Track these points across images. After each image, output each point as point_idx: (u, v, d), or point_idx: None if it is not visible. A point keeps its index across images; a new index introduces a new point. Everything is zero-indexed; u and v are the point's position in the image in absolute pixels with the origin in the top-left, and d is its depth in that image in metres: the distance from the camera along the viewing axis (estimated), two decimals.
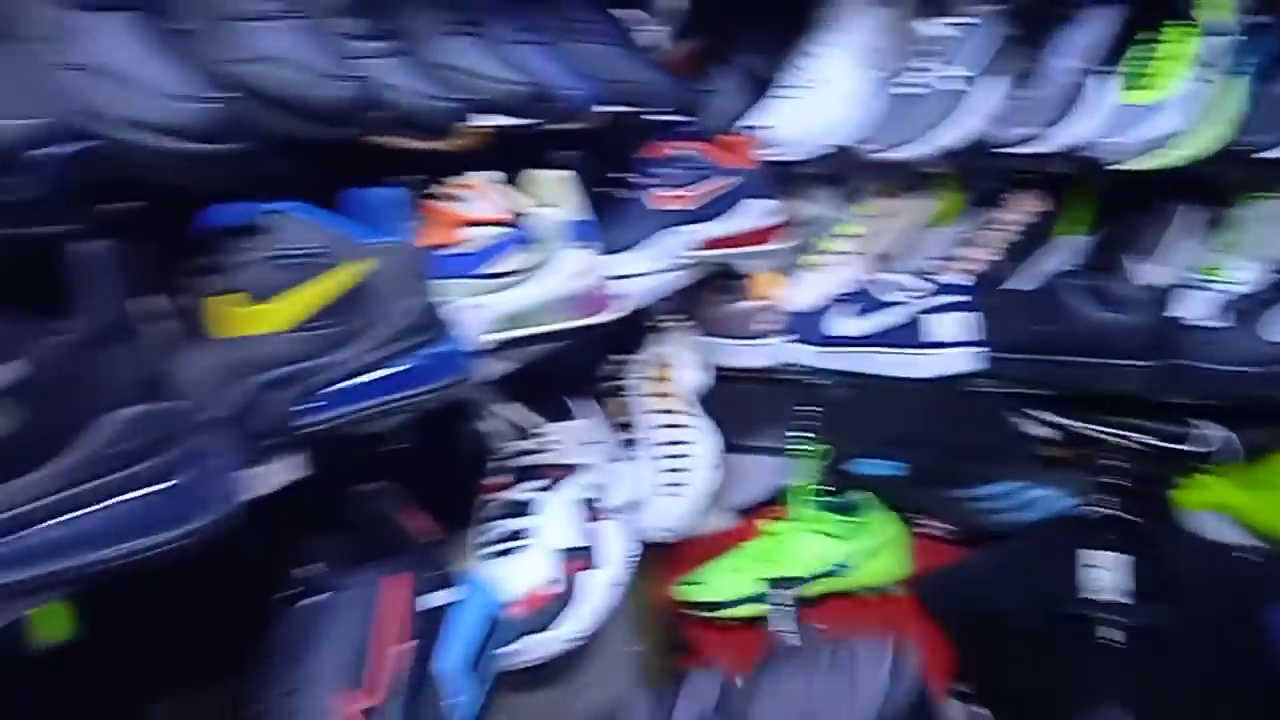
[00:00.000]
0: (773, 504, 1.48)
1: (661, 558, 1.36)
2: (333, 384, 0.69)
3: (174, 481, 0.50)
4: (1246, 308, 1.17)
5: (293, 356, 0.67)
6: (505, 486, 1.02)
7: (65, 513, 0.47)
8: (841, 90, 1.44)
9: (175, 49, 0.60)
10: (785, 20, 1.49)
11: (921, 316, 1.28)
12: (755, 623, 1.37)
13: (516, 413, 1.06)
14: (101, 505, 0.48)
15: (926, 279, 1.32)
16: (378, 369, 0.71)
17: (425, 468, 1.01)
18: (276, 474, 0.69)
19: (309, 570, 0.76)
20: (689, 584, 1.39)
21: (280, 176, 0.67)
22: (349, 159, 0.74)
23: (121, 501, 0.49)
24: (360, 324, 0.71)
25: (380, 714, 0.71)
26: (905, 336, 1.27)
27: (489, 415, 1.05)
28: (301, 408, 0.68)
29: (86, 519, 0.48)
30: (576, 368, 1.31)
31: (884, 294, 1.32)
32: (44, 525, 0.47)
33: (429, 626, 0.79)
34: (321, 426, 0.69)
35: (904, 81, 1.40)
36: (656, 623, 1.40)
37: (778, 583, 1.36)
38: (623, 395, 1.33)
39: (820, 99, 1.44)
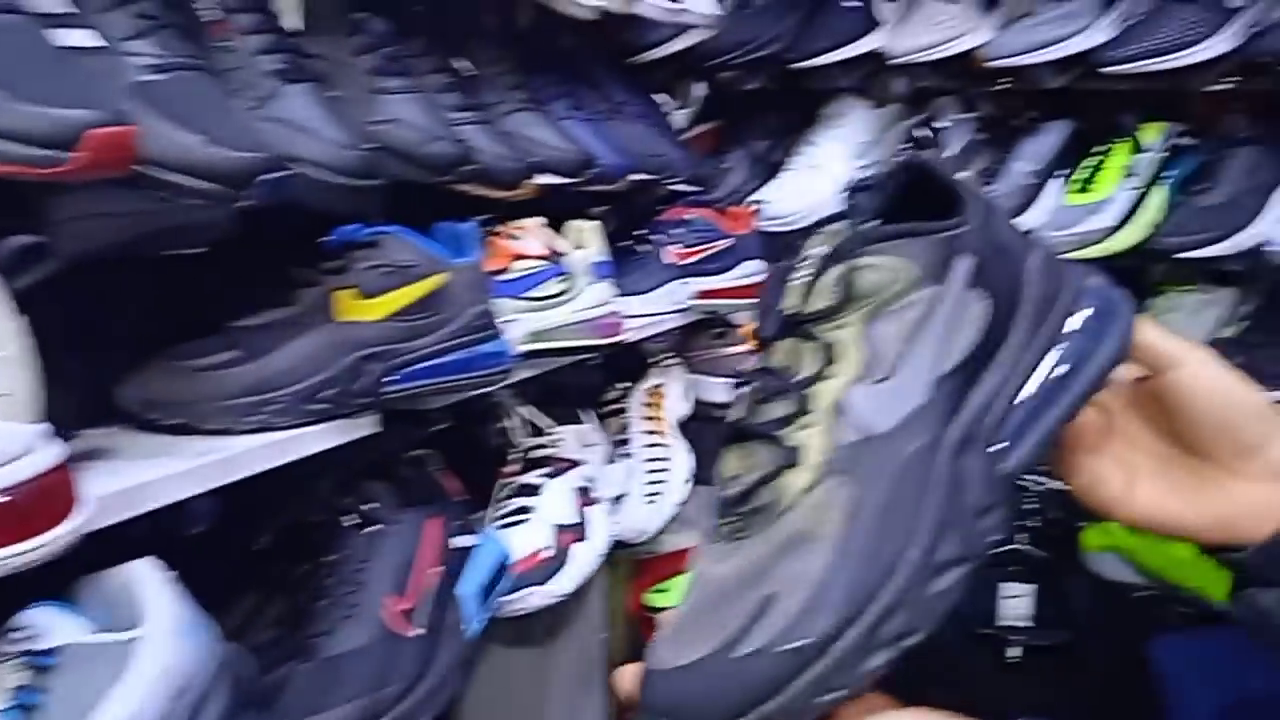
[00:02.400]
0: None
1: (636, 570, 1.58)
2: (411, 364, 0.93)
3: None
4: None
5: (385, 340, 0.91)
6: (519, 472, 1.25)
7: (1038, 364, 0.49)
8: (834, 175, 1.69)
9: (336, 111, 0.85)
10: (791, 112, 1.75)
11: None
12: None
13: (534, 414, 1.29)
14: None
15: None
16: (444, 355, 0.95)
17: (463, 448, 1.24)
18: (361, 428, 0.93)
19: (371, 505, 0.98)
20: (657, 592, 1.60)
21: (395, 208, 0.91)
22: (443, 200, 0.99)
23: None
24: (436, 321, 0.94)
25: (415, 613, 0.94)
26: None
27: (513, 414, 1.28)
28: (387, 379, 0.91)
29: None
30: (587, 387, 1.55)
31: None
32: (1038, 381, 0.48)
33: (455, 560, 1.01)
34: (397, 394, 0.92)
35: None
36: (627, 625, 1.61)
37: None
38: (621, 415, 1.56)
39: (815, 180, 1.69)
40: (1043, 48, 1.50)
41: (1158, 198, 1.51)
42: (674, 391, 1.58)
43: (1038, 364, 0.48)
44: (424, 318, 0.93)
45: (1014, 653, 1.43)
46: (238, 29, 0.79)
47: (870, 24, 1.61)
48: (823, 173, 1.70)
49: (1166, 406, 0.52)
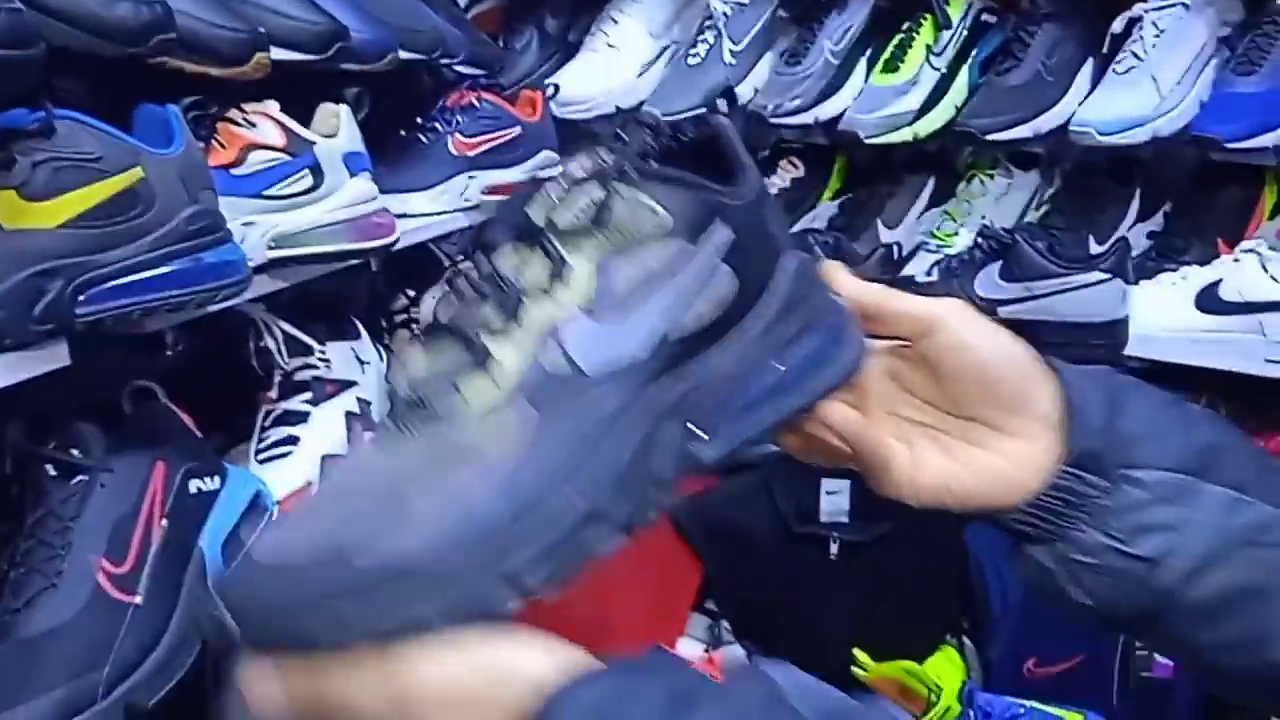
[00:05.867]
0: None
1: None
2: (104, 281, 0.76)
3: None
4: (957, 268, 1.35)
5: (67, 252, 0.74)
6: (281, 398, 1.09)
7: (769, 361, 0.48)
8: (633, 55, 1.56)
9: None
10: None
11: None
12: None
13: (296, 331, 1.14)
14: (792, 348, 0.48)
15: None
16: (153, 268, 0.79)
17: (206, 376, 1.08)
18: (40, 361, 0.76)
19: (75, 452, 0.82)
20: None
21: (91, 90, 0.73)
22: (153, 81, 0.81)
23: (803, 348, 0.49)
24: (136, 227, 0.78)
25: (136, 577, 0.79)
26: None
27: (271, 331, 1.12)
28: (80, 299, 0.75)
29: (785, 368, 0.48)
30: (369, 299, 1.39)
31: None
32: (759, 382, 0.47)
33: (194, 508, 0.87)
34: (90, 319, 0.76)
35: (690, 51, 1.53)
36: None
37: None
38: (414, 328, 1.42)
39: (614, 62, 1.56)
40: None
41: (962, 78, 1.45)
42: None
43: (764, 365, 0.47)
44: (119, 222, 0.77)
45: (834, 549, 1.40)
46: None
47: None
48: (622, 53, 1.56)
49: (930, 371, 0.51)
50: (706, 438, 0.45)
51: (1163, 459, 0.50)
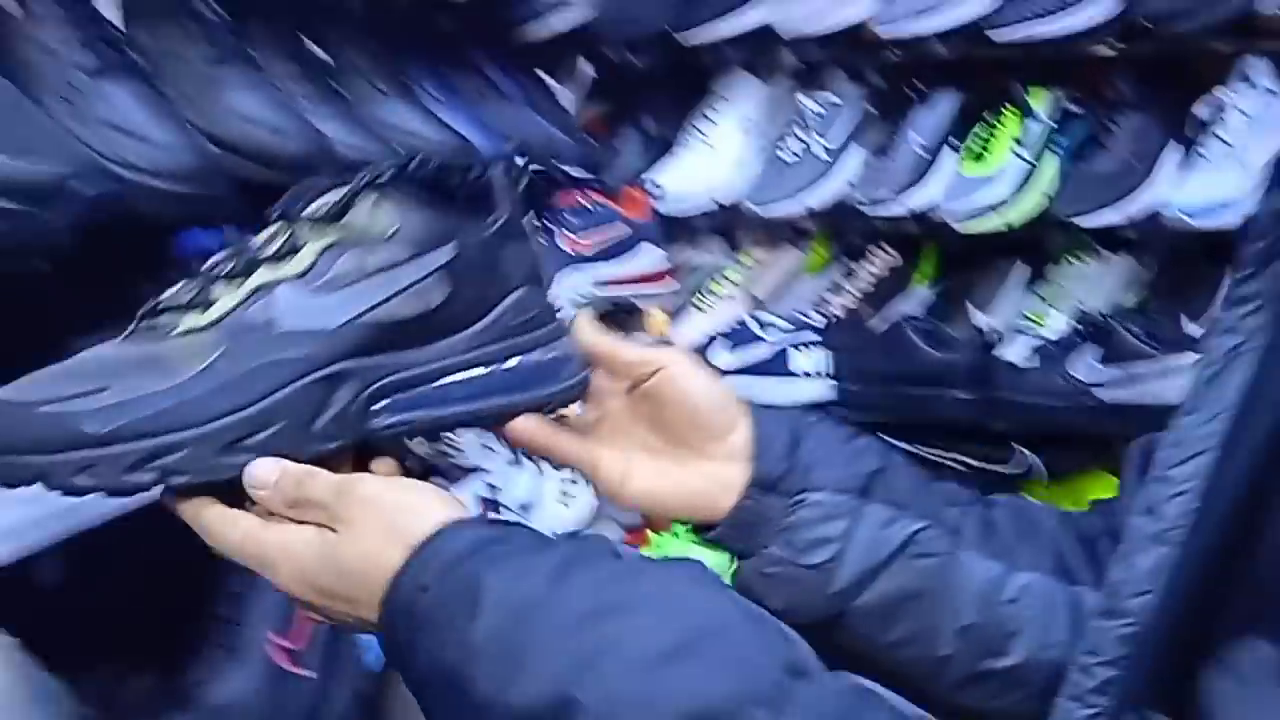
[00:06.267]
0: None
1: None
2: None
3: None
4: (1054, 351, 1.39)
5: None
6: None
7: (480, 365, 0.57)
8: (729, 153, 1.65)
9: (165, 109, 0.77)
10: (682, 91, 1.70)
11: (786, 351, 1.48)
12: None
13: None
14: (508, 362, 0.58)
15: (792, 319, 1.53)
16: None
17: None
18: None
19: None
20: None
21: (254, 208, 0.83)
22: None
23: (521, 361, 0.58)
24: None
25: (304, 654, 0.87)
26: (771, 367, 1.47)
27: None
28: None
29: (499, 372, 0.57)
30: None
31: (755, 331, 1.52)
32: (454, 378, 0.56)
33: None
34: None
35: (782, 148, 1.61)
36: None
37: None
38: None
39: (711, 160, 1.65)
40: (932, 17, 1.47)
41: (1050, 166, 1.50)
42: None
43: (463, 371, 0.55)
44: None
45: None
46: (45, 17, 0.71)
47: None
48: (718, 152, 1.65)
49: (652, 405, 0.61)
50: (377, 410, 0.54)
51: (832, 482, 0.60)
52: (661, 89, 1.72)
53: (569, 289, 1.41)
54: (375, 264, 0.54)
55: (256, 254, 0.54)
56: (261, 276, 0.53)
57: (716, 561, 1.22)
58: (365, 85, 1.05)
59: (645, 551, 1.61)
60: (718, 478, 0.60)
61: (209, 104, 0.82)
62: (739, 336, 1.53)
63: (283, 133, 0.85)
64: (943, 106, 1.59)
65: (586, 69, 1.75)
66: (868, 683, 0.48)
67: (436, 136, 1.08)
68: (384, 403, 0.54)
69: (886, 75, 1.63)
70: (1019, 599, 0.60)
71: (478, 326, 0.57)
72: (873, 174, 1.57)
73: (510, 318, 0.57)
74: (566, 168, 1.47)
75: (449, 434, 1.20)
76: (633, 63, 1.69)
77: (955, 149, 1.55)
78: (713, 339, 1.57)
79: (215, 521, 0.52)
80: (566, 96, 1.66)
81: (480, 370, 0.56)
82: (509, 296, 0.57)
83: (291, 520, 0.51)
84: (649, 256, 1.52)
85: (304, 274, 0.53)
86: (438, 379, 0.55)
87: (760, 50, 1.64)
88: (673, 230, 1.60)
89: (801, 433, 0.62)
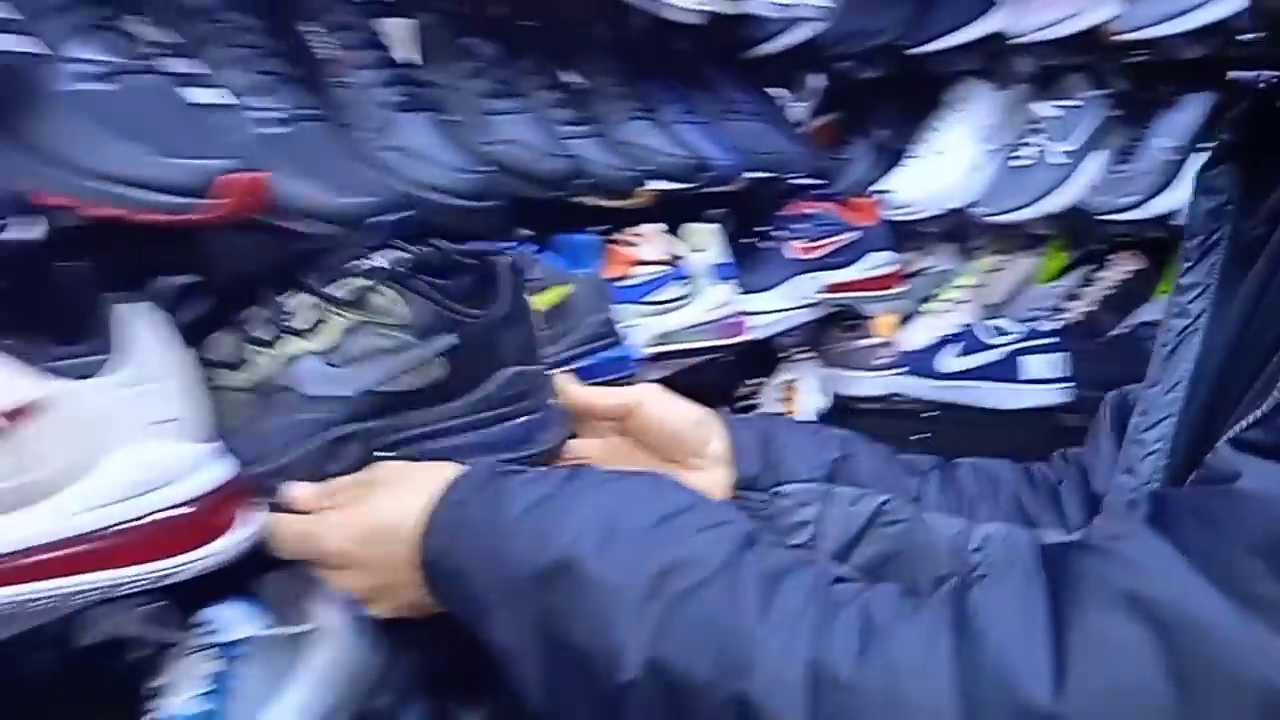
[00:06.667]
0: None
1: None
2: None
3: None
4: None
5: None
6: None
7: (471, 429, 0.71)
8: (960, 160, 1.66)
9: (452, 136, 0.89)
10: (913, 99, 1.72)
11: (1019, 357, 1.47)
12: None
13: None
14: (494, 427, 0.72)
15: (1025, 324, 1.52)
16: (570, 363, 0.98)
17: None
18: None
19: None
20: None
21: (517, 223, 0.94)
22: (563, 213, 1.02)
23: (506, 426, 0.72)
24: (560, 330, 0.97)
25: None
26: (1004, 373, 1.47)
27: None
28: None
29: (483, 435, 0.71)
30: (721, 385, 1.56)
31: (987, 336, 1.52)
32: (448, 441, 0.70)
33: None
34: None
35: (1017, 155, 1.61)
36: None
37: None
38: (755, 411, 1.57)
39: (941, 167, 1.66)
40: (1177, 17, 1.43)
41: None
42: (807, 386, 1.58)
43: (458, 433, 0.69)
44: (548, 328, 0.97)
45: None
46: (354, 64, 0.84)
47: (989, 3, 1.57)
48: (948, 159, 1.66)
49: (640, 434, 0.75)
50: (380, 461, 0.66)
51: (802, 473, 0.72)
52: (891, 98, 1.75)
53: (796, 294, 1.47)
54: (389, 345, 0.67)
55: (288, 324, 0.67)
56: (295, 346, 0.66)
57: None
58: (614, 108, 1.15)
59: None
60: (707, 484, 0.71)
61: (485, 130, 0.94)
62: (969, 341, 1.54)
63: (545, 154, 0.96)
64: (1192, 108, 1.54)
65: (817, 80, 1.80)
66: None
67: (679, 154, 1.16)
68: (384, 458, 0.67)
69: (1129, 78, 1.59)
70: (983, 546, 0.71)
71: (472, 398, 0.70)
72: (1114, 179, 1.54)
73: (501, 391, 0.71)
74: (797, 178, 1.53)
75: None
76: (863, 74, 1.72)
77: (1202, 152, 1.50)
78: (942, 343, 1.59)
79: (271, 524, 0.63)
80: (797, 108, 1.72)
81: (471, 435, 0.69)
82: (500, 374, 0.71)
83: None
84: (877, 262, 1.56)
85: (324, 350, 0.66)
86: (433, 439, 0.68)
87: (993, 56, 1.64)
88: (903, 237, 1.63)
89: (771, 434, 0.75)
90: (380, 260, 0.70)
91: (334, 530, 0.62)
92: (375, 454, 0.67)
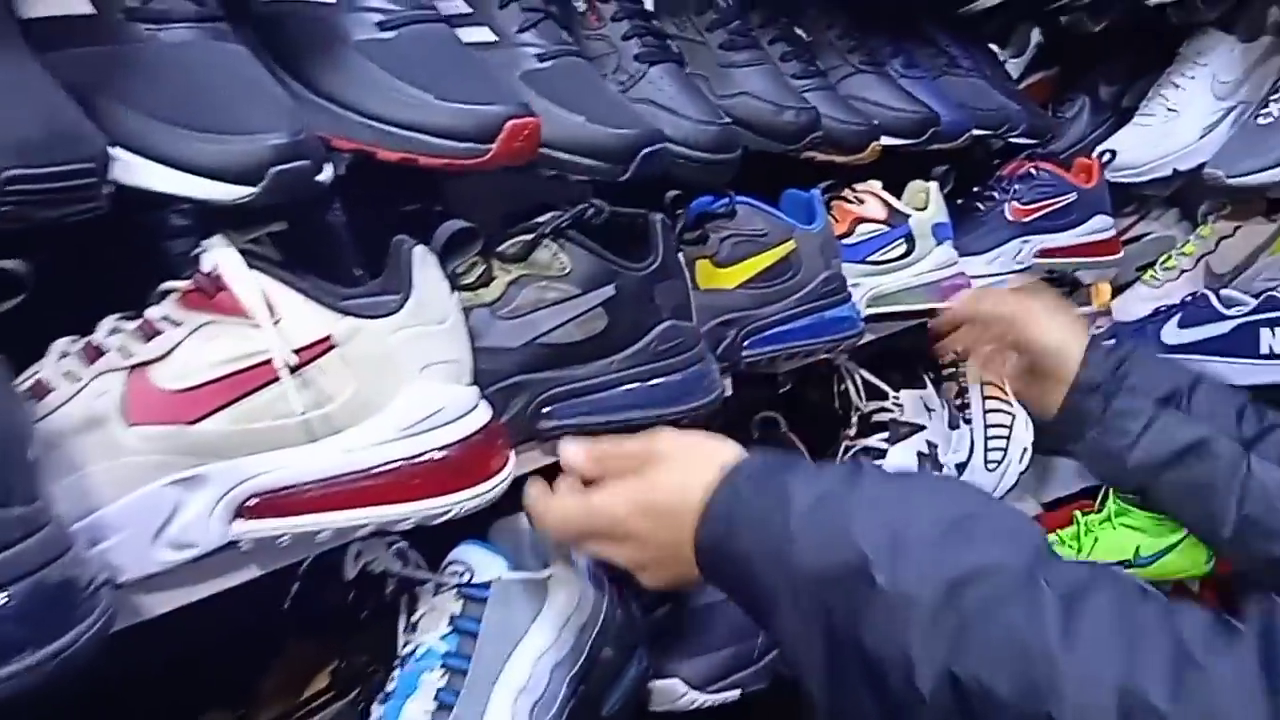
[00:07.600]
0: (1089, 498, 1.62)
1: None
2: (765, 329, 0.96)
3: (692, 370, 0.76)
4: None
5: (740, 306, 0.94)
6: (859, 435, 1.25)
7: (632, 382, 0.74)
8: (1195, 119, 1.55)
9: (693, 89, 0.88)
10: (1142, 52, 1.62)
11: (1254, 329, 1.38)
12: None
13: (872, 377, 1.29)
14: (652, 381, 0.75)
15: (1260, 296, 1.42)
16: (796, 320, 0.97)
17: (800, 414, 1.26)
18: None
19: None
20: None
21: (741, 177, 0.93)
22: (787, 167, 1.01)
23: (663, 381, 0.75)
24: (787, 287, 0.96)
25: None
26: (1236, 347, 1.38)
27: (852, 376, 1.28)
28: (745, 343, 0.95)
29: (643, 388, 0.75)
30: (921, 350, 1.52)
31: (1214, 307, 1.43)
32: (608, 394, 0.74)
33: None
34: (754, 358, 0.95)
35: (1260, 113, 1.49)
36: None
37: None
38: (958, 379, 1.52)
39: (1171, 127, 1.56)
40: None
41: None
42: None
43: (617, 386, 0.72)
44: (776, 284, 0.96)
45: None
46: (606, 16, 0.84)
47: None
48: (1183, 117, 1.56)
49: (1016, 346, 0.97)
50: (543, 415, 0.70)
51: (1143, 392, 0.84)
52: (1121, 52, 1.64)
53: (1010, 259, 1.41)
54: (551, 298, 0.70)
55: (459, 279, 0.68)
56: (464, 299, 0.67)
57: (1139, 543, 1.34)
58: (839, 62, 1.13)
59: (1068, 531, 1.58)
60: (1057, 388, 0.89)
61: (724, 84, 0.93)
62: (1195, 312, 1.45)
63: (782, 108, 0.94)
64: None
65: (1033, 35, 1.72)
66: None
67: (908, 109, 1.13)
68: (549, 409, 0.70)
69: None
70: None
71: (629, 350, 0.72)
72: None
73: (657, 344, 0.74)
74: (1017, 136, 1.46)
75: (894, 392, 1.26)
76: (1088, 26, 1.63)
77: None
78: (1164, 313, 1.50)
79: (540, 501, 0.66)
80: (1015, 64, 1.65)
81: (629, 387, 0.72)
82: (657, 327, 0.74)
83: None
84: (1095, 225, 1.48)
85: (493, 303, 0.69)
86: (594, 392, 0.71)
87: (1239, 6, 1.52)
88: (1123, 200, 1.54)
89: (1127, 358, 0.87)
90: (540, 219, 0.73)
91: (616, 503, 0.63)
92: (539, 407, 0.70)
